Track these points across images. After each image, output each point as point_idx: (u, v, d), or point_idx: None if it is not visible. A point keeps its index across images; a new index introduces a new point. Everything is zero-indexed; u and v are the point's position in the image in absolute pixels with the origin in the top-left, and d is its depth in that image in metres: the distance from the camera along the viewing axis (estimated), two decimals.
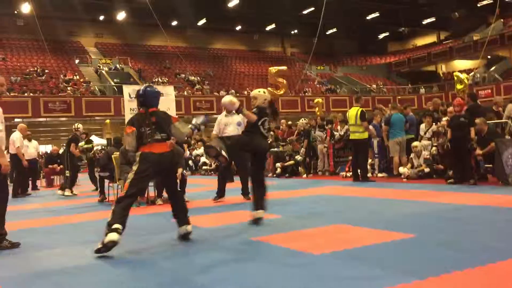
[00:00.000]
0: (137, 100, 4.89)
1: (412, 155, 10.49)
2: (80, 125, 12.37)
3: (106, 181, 9.38)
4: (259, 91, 6.00)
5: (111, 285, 3.47)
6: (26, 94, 27.09)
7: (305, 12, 37.57)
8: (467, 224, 4.95)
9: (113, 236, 4.32)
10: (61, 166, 15.40)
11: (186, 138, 4.79)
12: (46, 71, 31.67)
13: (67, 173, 11.46)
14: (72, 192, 11.42)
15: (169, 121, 4.77)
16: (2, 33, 34.40)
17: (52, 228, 6.42)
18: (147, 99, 4.81)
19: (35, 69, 31.52)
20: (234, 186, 8.39)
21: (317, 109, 20.53)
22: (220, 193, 8.21)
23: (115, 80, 32.34)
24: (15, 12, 33.91)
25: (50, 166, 15.39)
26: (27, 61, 33.13)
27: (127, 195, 4.59)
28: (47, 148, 24.75)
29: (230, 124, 8.20)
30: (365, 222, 5.25)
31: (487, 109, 10.94)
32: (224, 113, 8.36)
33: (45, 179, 15.67)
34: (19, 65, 31.96)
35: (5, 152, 5.17)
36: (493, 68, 35.85)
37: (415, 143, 10.45)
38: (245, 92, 33.52)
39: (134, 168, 4.64)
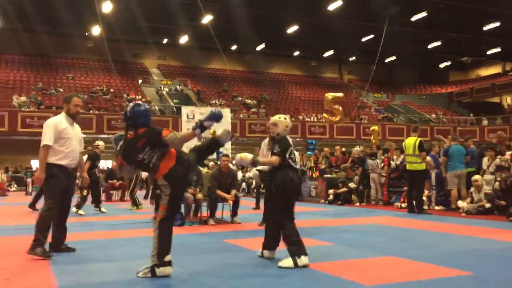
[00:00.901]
0: (125, 121, 4.50)
1: (472, 189, 10.09)
2: (101, 142, 11.98)
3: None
4: (279, 117, 5.34)
5: None
6: (91, 112, 28.48)
7: (364, 39, 37.39)
8: None
9: (168, 270, 4.25)
10: (120, 181, 16.00)
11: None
12: (111, 90, 33.22)
13: (85, 192, 11.01)
14: (100, 209, 11.23)
15: (159, 137, 4.30)
16: (73, 53, 36.53)
17: (108, 242, 6.66)
18: (137, 120, 4.44)
19: (101, 88, 33.14)
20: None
21: (372, 136, 20.28)
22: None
23: (174, 100, 33.40)
24: (86, 34, 35.98)
25: (110, 181, 16.01)
26: (94, 80, 34.91)
27: (168, 217, 4.37)
28: (108, 164, 25.71)
29: None
30: (419, 256, 5.10)
31: None
32: (267, 139, 7.38)
33: (104, 193, 16.30)
34: (87, 84, 33.73)
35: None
36: None
37: (475, 177, 10.06)
38: (300, 117, 33.60)
39: (167, 190, 4.30)
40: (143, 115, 4.47)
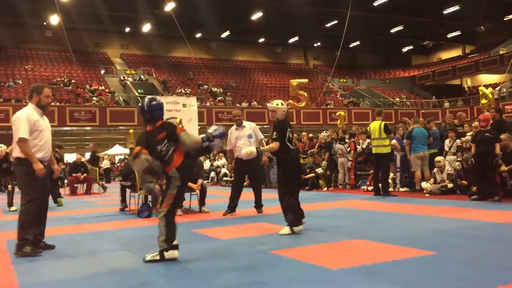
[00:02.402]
0: (142, 115, 4.73)
1: (435, 170, 10.34)
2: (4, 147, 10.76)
3: (128, 190, 9.50)
4: (277, 104, 6.04)
5: None
6: (52, 104, 27.69)
7: (328, 25, 37.59)
8: (489, 242, 4.84)
9: (175, 253, 4.52)
10: (85, 174, 15.66)
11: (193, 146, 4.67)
12: (73, 81, 32.37)
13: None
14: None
15: (175, 132, 4.62)
16: (31, 44, 35.36)
17: (74, 236, 6.51)
18: (154, 114, 4.67)
19: (62, 79, 32.25)
20: (246, 199, 8.38)
21: (339, 121, 20.49)
22: (232, 207, 8.11)
23: (139, 90, 32.85)
24: (44, 23, 34.83)
25: (74, 174, 15.64)
26: (55, 71, 33.92)
27: (173, 210, 4.61)
28: (72, 157, 25.16)
29: (241, 138, 8.14)
30: (385, 238, 5.19)
31: None
32: (234, 126, 8.31)
33: (68, 187, 15.93)
34: (47, 75, 32.74)
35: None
36: None
37: (438, 158, 10.30)
38: (268, 104, 33.60)
39: (177, 183, 4.52)
40: (159, 109, 4.71)
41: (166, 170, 4.58)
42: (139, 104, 4.83)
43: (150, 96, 4.95)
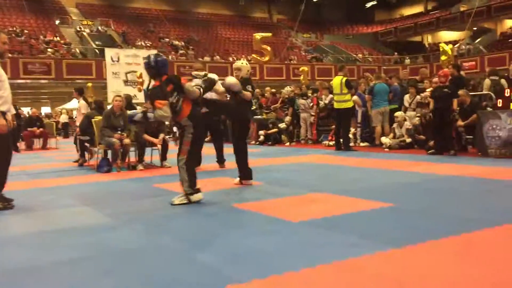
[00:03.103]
0: (148, 70, 4.92)
1: (394, 125, 10.54)
2: None
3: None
4: (242, 63, 6.26)
5: (97, 245, 3.44)
6: None
7: None
8: (445, 194, 5.01)
9: (200, 195, 4.89)
10: (41, 129, 15.18)
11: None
12: (25, 31, 30.72)
13: None
14: None
15: (181, 83, 4.89)
16: None
17: (31, 191, 6.33)
18: (160, 69, 4.88)
19: (14, 29, 30.55)
20: (208, 154, 8.34)
21: (302, 77, 20.47)
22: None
23: (96, 42, 31.60)
24: None
25: (29, 129, 15.12)
26: (6, 20, 32.06)
27: (191, 157, 4.91)
28: (27, 111, 24.29)
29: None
30: (345, 191, 5.28)
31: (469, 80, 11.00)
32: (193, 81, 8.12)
33: (24, 142, 15.43)
34: None
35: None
36: (478, 40, 35.90)
37: (397, 113, 10.48)
38: (230, 59, 33.10)
39: (191, 130, 4.83)
40: (164, 64, 4.95)
41: (178, 120, 4.86)
42: (145, 61, 4.95)
43: (154, 52, 5.18)
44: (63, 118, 25.77)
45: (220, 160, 8.19)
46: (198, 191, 4.90)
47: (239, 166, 6.09)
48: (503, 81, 9.78)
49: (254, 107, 14.94)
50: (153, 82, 5.03)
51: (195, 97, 4.94)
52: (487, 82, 10.03)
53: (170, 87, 4.80)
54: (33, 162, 10.79)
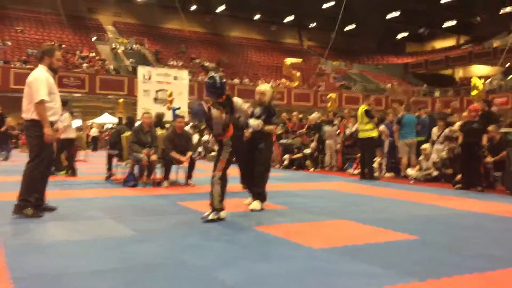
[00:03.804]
0: (212, 91, 5.14)
1: (421, 158, 10.42)
2: None
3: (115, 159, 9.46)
4: (265, 88, 6.39)
5: (121, 258, 3.51)
6: None
7: (325, 6, 37.26)
8: (470, 230, 4.93)
9: (225, 213, 5.12)
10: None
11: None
12: (63, 46, 31.79)
13: None
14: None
15: (233, 105, 5.27)
16: (23, 5, 34.54)
17: (60, 201, 6.47)
18: (224, 90, 5.19)
19: (53, 43, 31.64)
20: (233, 175, 8.39)
21: (329, 104, 20.49)
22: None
23: (130, 60, 32.42)
24: None
25: None
26: (45, 34, 33.27)
27: (225, 173, 5.21)
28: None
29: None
30: (368, 220, 5.25)
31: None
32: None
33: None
34: (37, 38, 32.11)
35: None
36: (510, 76, 35.38)
37: (424, 146, 10.37)
38: (259, 82, 33.41)
39: (228, 149, 5.18)
40: (225, 86, 5.26)
41: (222, 137, 5.19)
42: (209, 80, 5.17)
43: (217, 74, 5.39)
44: (93, 132, 26.32)
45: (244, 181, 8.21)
46: (223, 209, 5.12)
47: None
48: None
49: (280, 131, 15.03)
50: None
51: (246, 115, 5.49)
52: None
53: (228, 107, 5.17)
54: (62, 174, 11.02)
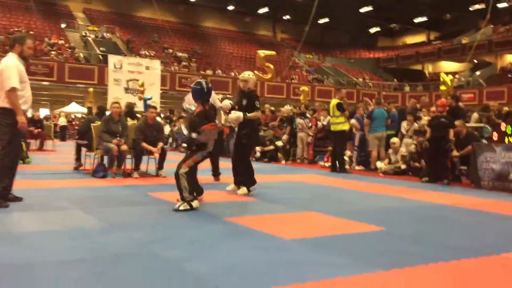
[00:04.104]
0: (199, 95, 5.29)
1: (390, 151, 10.62)
2: None
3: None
4: (249, 74, 6.51)
5: (89, 249, 3.47)
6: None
7: None
8: (436, 222, 5.06)
9: (197, 203, 5.21)
10: (39, 130, 15.19)
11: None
12: (31, 32, 30.89)
13: None
14: None
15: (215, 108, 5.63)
16: None
17: (26, 191, 6.34)
18: (209, 95, 5.38)
19: (20, 29, 30.73)
20: (203, 167, 8.38)
21: (302, 97, 20.60)
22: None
23: (101, 48, 31.80)
24: None
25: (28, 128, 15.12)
26: (12, 20, 32.27)
27: (194, 170, 5.38)
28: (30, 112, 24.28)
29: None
30: (338, 212, 5.33)
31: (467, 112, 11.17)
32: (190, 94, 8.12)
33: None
34: (3, 24, 31.12)
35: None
36: (478, 72, 36.31)
37: (393, 139, 10.57)
38: (232, 74, 33.32)
39: (205, 151, 5.35)
40: (211, 92, 5.47)
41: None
42: (197, 86, 5.30)
43: (203, 80, 5.49)
44: (62, 121, 25.80)
45: (216, 173, 8.23)
46: (195, 198, 5.22)
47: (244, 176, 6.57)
48: (491, 115, 9.96)
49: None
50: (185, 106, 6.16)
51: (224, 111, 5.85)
52: (474, 115, 10.26)
53: (214, 112, 5.44)
54: (30, 163, 10.78)
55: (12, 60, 5.10)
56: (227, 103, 6.47)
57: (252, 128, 6.59)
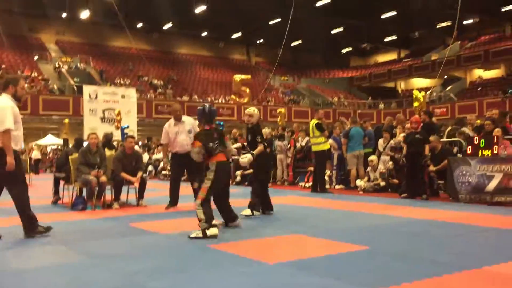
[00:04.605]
0: (202, 116, 5.63)
1: (368, 169, 10.76)
2: None
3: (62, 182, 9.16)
4: (253, 110, 7.09)
5: (71, 285, 3.41)
6: None
7: (271, 22, 37.94)
8: (417, 237, 5.14)
9: (215, 230, 5.16)
10: None
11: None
12: (3, 66, 30.61)
13: None
14: None
15: (223, 137, 5.69)
16: None
17: (3, 229, 6.20)
18: (212, 117, 5.64)
19: None
20: (186, 193, 8.35)
21: (279, 118, 20.78)
22: (173, 201, 8.02)
23: (75, 79, 31.60)
24: None
25: None
26: None
27: (208, 199, 5.33)
28: None
29: (181, 132, 8.03)
30: (321, 233, 5.36)
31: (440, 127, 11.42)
32: (172, 121, 8.14)
33: None
34: None
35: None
36: (449, 87, 37.24)
37: (371, 157, 10.73)
38: (208, 99, 33.42)
39: (211, 175, 5.36)
40: (215, 114, 5.78)
41: (207, 162, 5.45)
42: (200, 107, 5.73)
43: (208, 104, 5.96)
44: (35, 155, 25.35)
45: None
46: (214, 226, 5.22)
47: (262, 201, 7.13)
48: (465, 129, 10.20)
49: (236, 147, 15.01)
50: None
51: (232, 153, 5.99)
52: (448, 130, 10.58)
53: (216, 134, 5.54)
54: (5, 199, 10.54)
55: (6, 102, 5.25)
56: (245, 160, 6.71)
57: (261, 162, 7.01)
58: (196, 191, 8.18)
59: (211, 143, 5.43)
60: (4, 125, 5.06)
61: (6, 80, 5.49)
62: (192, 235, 5.10)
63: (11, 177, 5.27)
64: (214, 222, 5.23)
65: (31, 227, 5.38)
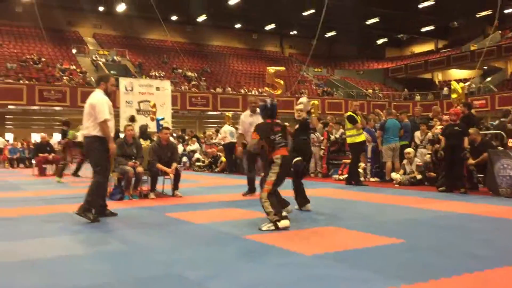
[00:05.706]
0: (263, 111, 5.74)
1: (404, 161, 10.57)
2: None
3: None
4: (308, 101, 7.33)
5: (107, 274, 3.50)
6: (21, 82, 26.94)
7: (305, 13, 37.60)
8: (455, 232, 5.02)
9: (287, 222, 5.17)
10: (53, 154, 15.34)
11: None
12: (43, 59, 31.50)
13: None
14: None
15: (286, 131, 5.71)
16: (0, 19, 34.16)
17: (45, 216, 6.42)
18: (274, 112, 5.71)
19: (32, 56, 31.34)
20: (229, 184, 8.42)
21: (312, 110, 20.61)
22: (251, 189, 8.60)
23: (112, 71, 32.20)
24: None
25: (41, 154, 15.27)
26: (24, 48, 32.92)
27: (273, 192, 5.37)
28: (36, 137, 24.56)
29: (255, 124, 8.23)
30: (357, 226, 5.32)
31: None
32: (248, 112, 8.76)
33: (37, 167, 15.61)
34: (16, 52, 31.75)
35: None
36: (488, 79, 36.09)
37: (408, 150, 10.53)
38: (242, 90, 33.50)
39: (277, 169, 5.34)
40: (276, 109, 5.81)
41: (272, 155, 5.40)
42: (261, 103, 5.87)
43: (270, 99, 6.00)
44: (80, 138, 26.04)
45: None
46: (286, 217, 5.22)
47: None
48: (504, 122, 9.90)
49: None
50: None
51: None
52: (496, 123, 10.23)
53: (278, 128, 5.52)
54: (48, 188, 10.92)
55: (102, 96, 5.96)
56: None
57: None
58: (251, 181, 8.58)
59: (272, 136, 5.43)
60: (103, 116, 5.76)
61: (99, 78, 6.25)
62: (264, 228, 5.11)
63: (99, 163, 5.87)
64: (284, 213, 5.30)
65: (84, 209, 5.76)
